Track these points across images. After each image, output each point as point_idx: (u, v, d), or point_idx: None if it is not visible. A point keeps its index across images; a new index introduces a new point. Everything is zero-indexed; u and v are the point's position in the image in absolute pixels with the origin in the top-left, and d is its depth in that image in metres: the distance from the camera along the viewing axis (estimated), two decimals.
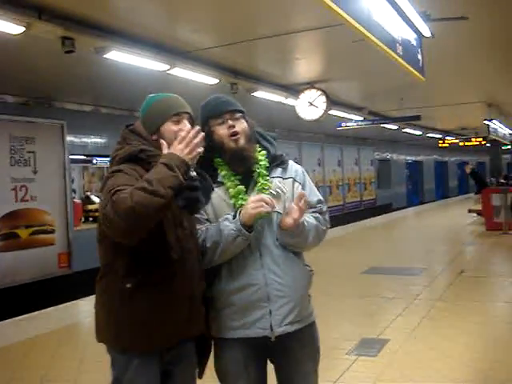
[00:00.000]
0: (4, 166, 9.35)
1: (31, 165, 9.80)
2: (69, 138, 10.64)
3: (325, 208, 2.67)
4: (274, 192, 2.45)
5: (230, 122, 2.54)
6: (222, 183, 2.55)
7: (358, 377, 4.49)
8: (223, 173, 2.55)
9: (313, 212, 2.59)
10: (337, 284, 8.13)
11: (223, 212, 2.51)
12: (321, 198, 2.68)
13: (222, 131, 2.53)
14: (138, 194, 2.05)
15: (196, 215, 2.50)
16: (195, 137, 2.22)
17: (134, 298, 2.28)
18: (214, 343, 2.61)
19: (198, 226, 2.52)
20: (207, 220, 2.53)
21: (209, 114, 2.58)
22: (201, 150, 2.25)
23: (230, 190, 2.52)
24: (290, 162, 2.70)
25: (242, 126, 2.57)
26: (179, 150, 2.20)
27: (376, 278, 8.60)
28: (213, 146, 2.54)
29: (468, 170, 17.38)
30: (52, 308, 7.26)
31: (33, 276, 9.53)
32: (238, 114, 2.59)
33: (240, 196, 2.50)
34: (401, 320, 6.08)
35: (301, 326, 2.53)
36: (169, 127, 2.43)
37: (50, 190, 10.07)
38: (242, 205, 2.48)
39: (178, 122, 2.44)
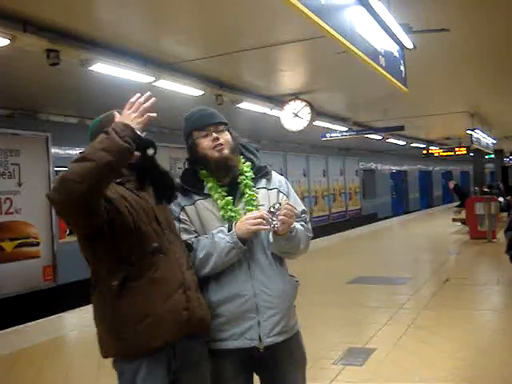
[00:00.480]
0: None
1: (16, 177, 9.74)
2: (54, 150, 10.59)
3: (308, 218, 2.72)
4: (272, 209, 2.44)
5: (214, 135, 2.55)
6: (208, 195, 2.56)
7: None
8: (209, 185, 2.57)
9: (298, 221, 2.61)
10: (323, 294, 8.15)
11: (211, 224, 2.52)
12: (304, 208, 2.72)
13: (206, 143, 2.55)
14: (70, 166, 2.06)
15: (183, 225, 2.52)
16: (145, 102, 2.22)
17: (124, 294, 2.24)
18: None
19: (185, 236, 2.52)
20: (194, 231, 2.54)
21: (193, 126, 2.59)
22: (153, 115, 2.25)
23: (218, 201, 2.53)
24: (273, 173, 2.73)
25: (225, 137, 2.59)
26: (127, 116, 2.20)
27: (362, 287, 8.63)
28: (197, 158, 2.58)
29: (451, 185, 19.06)
30: (37, 321, 7.22)
31: (17, 289, 9.44)
32: (222, 127, 2.61)
33: (229, 207, 2.52)
34: (387, 329, 6.11)
35: (288, 336, 2.55)
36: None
37: (35, 203, 10.01)
38: (230, 216, 2.50)
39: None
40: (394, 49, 5.80)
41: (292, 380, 2.62)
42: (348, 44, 4.02)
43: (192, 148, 2.58)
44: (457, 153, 22.50)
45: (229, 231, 2.45)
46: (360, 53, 4.32)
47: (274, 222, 2.42)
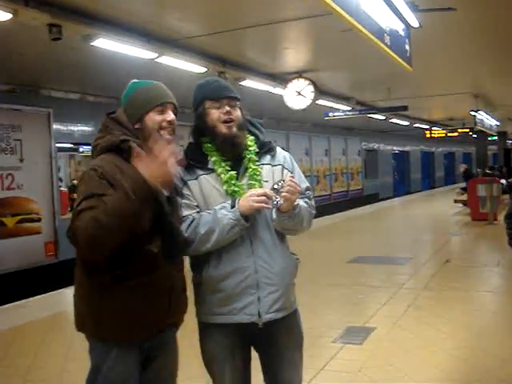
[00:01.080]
0: None
1: (17, 153, 9.72)
2: (55, 126, 10.57)
3: (312, 195, 2.71)
4: (276, 186, 2.44)
5: (227, 108, 2.54)
6: (212, 170, 2.55)
7: (343, 364, 4.53)
8: (213, 159, 2.55)
9: (302, 198, 2.60)
10: (323, 273, 8.18)
11: (213, 199, 2.51)
12: (308, 185, 2.71)
13: (216, 115, 2.53)
14: (92, 227, 2.09)
15: (185, 200, 2.51)
16: (171, 156, 2.16)
17: (114, 291, 2.28)
18: (200, 328, 2.63)
19: (186, 212, 2.51)
20: (196, 206, 2.53)
21: (207, 94, 2.57)
22: (177, 173, 2.25)
23: (222, 175, 2.51)
24: (278, 149, 2.71)
25: (236, 113, 2.58)
26: (149, 170, 2.15)
27: (362, 267, 8.65)
28: (204, 128, 2.57)
29: (462, 169, 21.15)
30: (39, 296, 7.25)
31: (19, 265, 9.48)
32: (235, 102, 2.60)
33: (232, 182, 2.50)
34: (386, 309, 6.13)
35: (286, 313, 2.56)
36: (153, 117, 2.42)
37: (37, 179, 10.01)
38: (234, 191, 2.49)
39: (162, 112, 2.43)
40: (400, 27, 5.76)
41: (290, 357, 2.63)
42: (353, 21, 3.98)
43: (201, 116, 2.56)
44: (460, 134, 22.45)
45: (232, 208, 2.43)
46: (365, 31, 4.29)
47: (277, 200, 2.41)
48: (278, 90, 11.57)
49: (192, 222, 2.48)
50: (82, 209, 2.15)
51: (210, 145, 2.57)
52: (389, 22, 5.20)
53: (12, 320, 6.25)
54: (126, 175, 2.21)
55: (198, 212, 2.52)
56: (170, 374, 2.54)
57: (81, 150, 23.87)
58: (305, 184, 2.67)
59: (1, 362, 4.95)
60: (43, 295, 7.32)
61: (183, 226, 2.47)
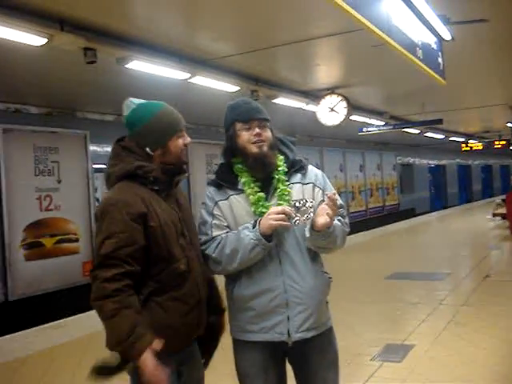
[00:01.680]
0: (29, 176, 9.46)
1: (55, 174, 9.89)
2: (92, 148, 10.73)
3: (345, 212, 2.70)
4: (297, 204, 2.47)
5: (257, 130, 2.57)
6: (242, 190, 2.57)
7: (383, 382, 4.47)
8: (243, 180, 2.58)
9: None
10: (361, 290, 8.10)
11: (243, 219, 2.54)
12: (342, 202, 2.69)
13: (247, 137, 2.57)
14: (111, 314, 2.24)
15: (215, 221, 2.56)
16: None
17: (146, 306, 2.34)
18: (233, 344, 2.66)
19: (216, 232, 2.55)
20: (227, 227, 2.57)
21: (237, 117, 2.60)
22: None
23: (251, 196, 2.54)
24: (310, 167, 2.71)
25: (267, 134, 2.60)
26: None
27: (400, 283, 8.54)
28: (235, 149, 2.60)
29: None
30: (77, 316, 7.32)
31: (57, 284, 9.60)
32: (265, 123, 2.62)
33: (260, 203, 2.53)
34: (425, 325, 6.04)
35: (318, 333, 2.56)
36: (176, 142, 2.50)
37: (74, 199, 10.15)
38: (262, 212, 2.50)
39: (181, 136, 2.52)
40: (432, 40, 5.73)
41: (324, 376, 2.62)
42: (385, 36, 3.97)
43: (232, 138, 2.60)
44: (496, 146, 22.13)
45: (253, 228, 2.46)
46: (397, 45, 4.27)
47: (297, 218, 2.44)
48: (310, 107, 11.57)
49: (220, 242, 2.52)
50: (113, 277, 2.25)
51: (240, 165, 2.61)
52: (421, 36, 5.18)
53: (51, 339, 6.31)
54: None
55: (227, 232, 2.55)
56: None
57: None
58: (338, 201, 2.66)
59: (40, 380, 5.01)
60: (81, 314, 7.38)
61: (212, 246, 2.53)
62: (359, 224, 19.67)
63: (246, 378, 2.60)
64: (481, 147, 22.88)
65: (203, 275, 2.55)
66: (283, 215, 2.42)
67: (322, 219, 2.41)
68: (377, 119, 14.86)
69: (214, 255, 2.52)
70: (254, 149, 2.55)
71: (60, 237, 9.83)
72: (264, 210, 2.50)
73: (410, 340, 5.52)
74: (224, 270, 2.55)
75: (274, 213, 2.43)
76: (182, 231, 2.48)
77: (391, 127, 15.19)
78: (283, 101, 10.74)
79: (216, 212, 2.57)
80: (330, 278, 2.66)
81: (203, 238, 2.58)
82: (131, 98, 2.57)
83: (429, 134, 20.22)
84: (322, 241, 2.49)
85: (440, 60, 6.03)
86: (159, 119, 2.48)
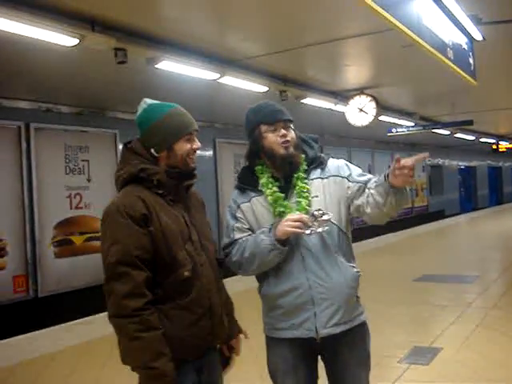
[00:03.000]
0: (59, 175, 9.59)
1: (85, 173, 10.02)
2: (121, 147, 10.83)
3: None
4: (315, 213, 2.47)
5: (283, 131, 2.59)
6: (262, 191, 2.62)
7: None
8: (263, 181, 2.62)
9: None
10: (388, 291, 8.05)
11: (265, 220, 2.59)
12: (371, 176, 2.70)
13: (273, 138, 2.59)
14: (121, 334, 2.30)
15: (237, 224, 2.60)
16: None
17: None
18: (266, 340, 2.70)
19: (238, 235, 2.60)
20: (249, 229, 2.62)
21: (262, 119, 2.62)
22: None
23: (269, 197, 2.58)
24: (330, 161, 2.74)
25: (292, 135, 2.63)
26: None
27: (428, 285, 8.47)
28: (259, 151, 2.63)
29: None
30: (105, 313, 7.38)
31: (87, 282, 9.71)
32: (289, 124, 2.65)
33: (279, 203, 2.56)
34: (454, 328, 5.98)
35: (347, 328, 2.56)
36: (182, 145, 2.44)
37: (104, 198, 10.24)
38: (281, 211, 2.54)
39: (189, 140, 2.46)
40: (463, 41, 5.67)
41: (353, 374, 2.61)
42: (415, 37, 3.95)
43: (257, 140, 2.62)
44: None
45: (270, 232, 2.50)
46: (427, 45, 4.24)
47: (313, 228, 2.43)
48: (339, 107, 11.52)
49: (240, 245, 2.57)
50: (116, 275, 2.26)
51: (260, 167, 2.65)
52: (451, 36, 5.13)
53: (81, 335, 6.40)
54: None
55: (248, 235, 2.59)
56: None
57: None
58: (366, 176, 2.68)
59: (69, 376, 5.08)
60: None
61: (234, 249, 2.58)
62: (387, 226, 19.50)
63: (276, 374, 2.63)
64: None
65: (217, 282, 2.51)
66: (299, 223, 2.44)
67: (407, 160, 2.39)
68: (406, 120, 14.73)
69: (235, 258, 2.58)
70: (281, 150, 2.57)
71: (89, 235, 9.94)
72: (282, 209, 2.54)
73: (437, 343, 5.47)
74: (246, 272, 2.60)
75: (290, 220, 2.45)
76: (190, 236, 2.42)
77: (421, 128, 15.05)
78: (312, 101, 10.71)
79: (239, 215, 2.63)
80: (357, 271, 2.65)
81: (227, 240, 2.64)
82: (146, 99, 2.55)
83: (459, 135, 20.00)
84: (401, 197, 2.48)
85: (471, 60, 5.96)
86: (167, 120, 2.44)
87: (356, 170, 2.72)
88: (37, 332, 6.65)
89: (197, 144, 2.48)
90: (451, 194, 28.35)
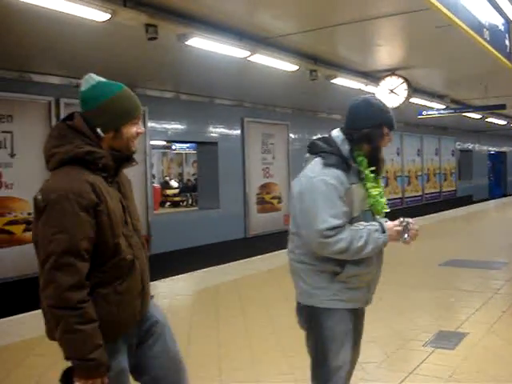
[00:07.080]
0: None
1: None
2: (150, 124, 10.87)
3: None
4: (404, 223, 2.84)
5: (391, 138, 2.93)
6: (362, 180, 2.82)
7: (434, 369, 4.41)
8: (366, 172, 2.83)
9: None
10: (414, 275, 7.99)
11: (356, 207, 2.77)
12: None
13: (385, 142, 2.91)
14: (56, 315, 2.16)
15: (344, 209, 2.69)
16: None
17: (91, 300, 2.24)
18: (320, 311, 2.83)
19: (341, 221, 2.67)
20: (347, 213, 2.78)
21: (387, 122, 2.88)
22: None
23: (371, 190, 2.84)
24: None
25: None
26: None
27: (455, 270, 8.40)
28: (372, 145, 2.84)
29: None
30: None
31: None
32: None
33: (377, 198, 2.88)
34: (480, 314, 5.93)
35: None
36: (130, 128, 2.42)
37: (132, 176, 10.28)
38: (372, 205, 2.87)
39: (136, 124, 2.45)
40: (500, 22, 5.56)
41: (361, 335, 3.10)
42: (452, 16, 3.88)
43: (377, 137, 2.84)
44: None
45: (383, 232, 2.76)
46: (464, 26, 4.17)
47: (405, 236, 2.83)
48: (369, 88, 11.38)
49: (354, 234, 2.69)
50: (61, 267, 2.15)
51: (361, 158, 2.83)
52: (488, 17, 5.02)
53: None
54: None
55: (351, 220, 2.76)
56: (171, 336, 2.64)
57: (173, 147, 24.41)
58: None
59: None
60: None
61: (343, 235, 2.67)
62: (414, 209, 19.39)
63: (332, 341, 2.83)
64: None
65: (147, 261, 2.55)
66: (400, 229, 2.82)
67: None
68: (437, 103, 14.54)
69: (343, 244, 2.66)
70: (382, 153, 2.91)
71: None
72: (375, 204, 2.87)
73: (463, 328, 5.43)
74: (348, 257, 2.73)
75: (398, 230, 2.81)
76: (126, 219, 2.42)
77: (452, 111, 14.85)
78: (342, 81, 10.61)
79: (345, 197, 2.72)
80: None
81: (335, 222, 2.67)
82: (91, 74, 2.48)
83: (490, 120, 19.70)
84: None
85: (507, 42, 5.85)
86: (118, 101, 2.39)
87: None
88: None
89: (141, 129, 2.49)
90: (480, 180, 28.02)
